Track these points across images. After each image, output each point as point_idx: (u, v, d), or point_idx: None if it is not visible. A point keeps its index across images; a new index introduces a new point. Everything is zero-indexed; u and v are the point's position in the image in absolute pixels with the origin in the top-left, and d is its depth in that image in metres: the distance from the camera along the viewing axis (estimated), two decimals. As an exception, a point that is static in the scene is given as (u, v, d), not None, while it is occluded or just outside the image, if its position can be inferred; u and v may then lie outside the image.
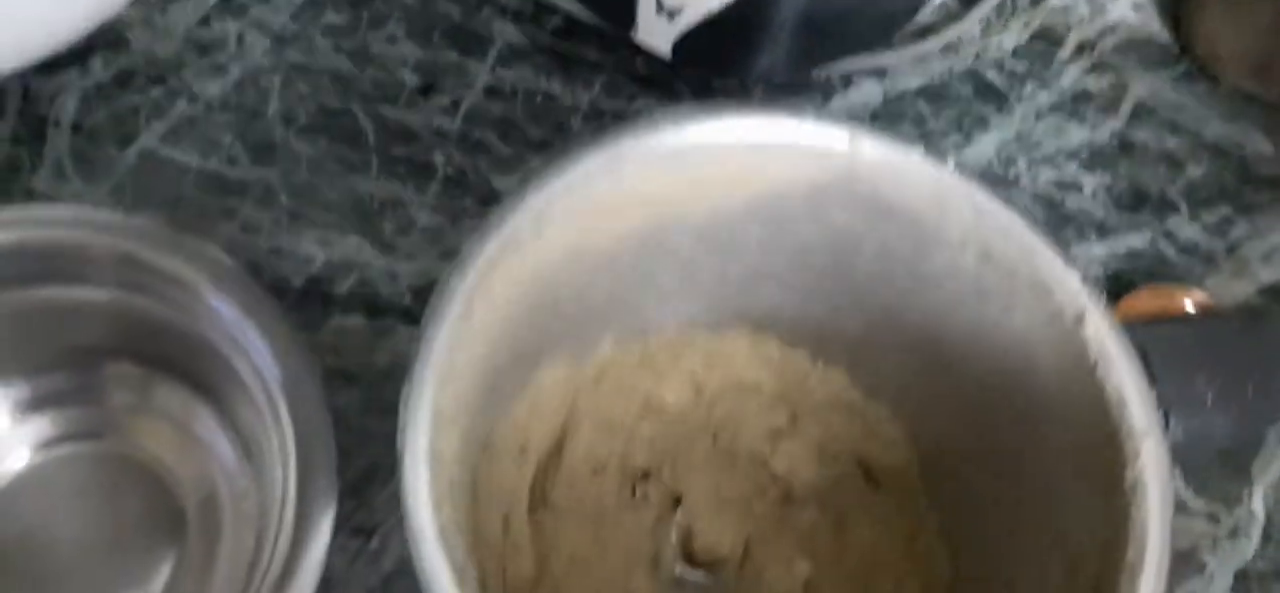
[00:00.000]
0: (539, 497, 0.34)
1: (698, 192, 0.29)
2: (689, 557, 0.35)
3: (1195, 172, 0.48)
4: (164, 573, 0.36)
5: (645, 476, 0.36)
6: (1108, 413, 0.26)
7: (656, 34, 0.43)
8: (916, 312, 0.30)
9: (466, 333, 0.26)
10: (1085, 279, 0.27)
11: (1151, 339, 0.27)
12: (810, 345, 0.35)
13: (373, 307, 0.42)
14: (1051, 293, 0.27)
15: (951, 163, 0.28)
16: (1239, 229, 0.47)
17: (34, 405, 0.37)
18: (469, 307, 0.26)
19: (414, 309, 0.42)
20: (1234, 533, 0.43)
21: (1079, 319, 0.27)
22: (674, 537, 0.35)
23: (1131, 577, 0.25)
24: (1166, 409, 0.26)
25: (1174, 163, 0.48)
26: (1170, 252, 0.46)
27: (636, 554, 0.35)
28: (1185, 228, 0.47)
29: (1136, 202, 0.47)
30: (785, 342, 0.35)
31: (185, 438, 0.38)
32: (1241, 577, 0.43)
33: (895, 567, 0.34)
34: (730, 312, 0.35)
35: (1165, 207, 0.47)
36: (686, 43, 0.42)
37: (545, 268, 0.28)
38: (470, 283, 0.26)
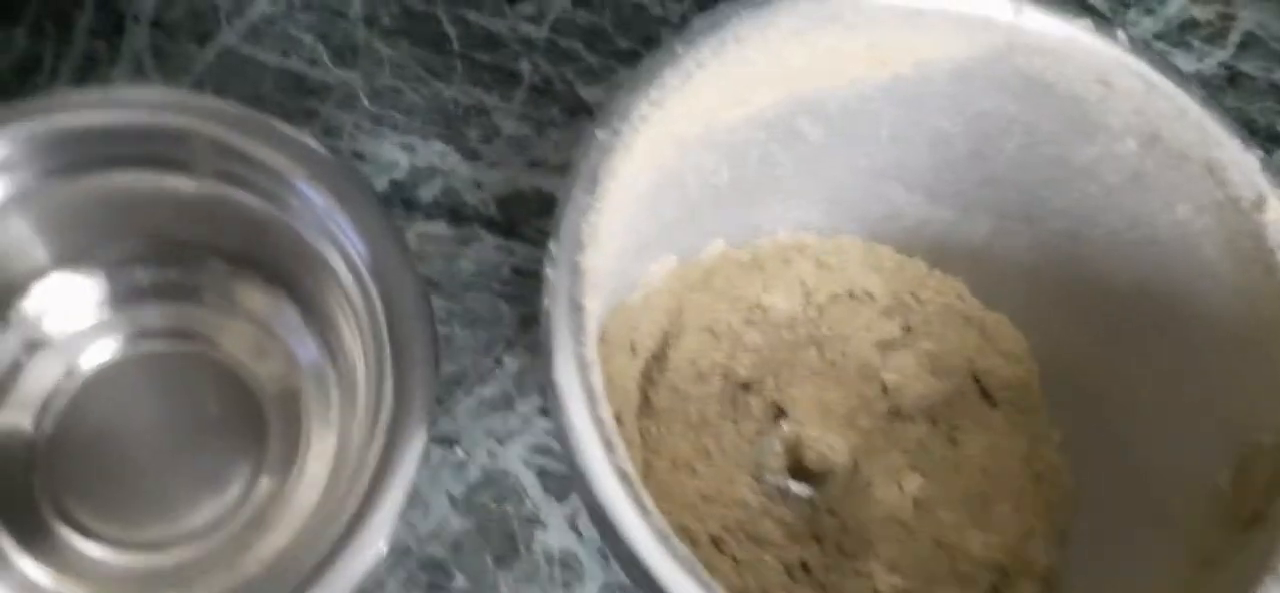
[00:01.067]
0: (643, 402, 0.33)
1: (840, 67, 0.27)
2: (794, 469, 0.34)
3: (1304, 105, 0.46)
4: (243, 475, 0.35)
5: (747, 387, 0.35)
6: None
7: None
8: (1059, 209, 0.29)
9: (607, 194, 0.24)
10: (1265, 161, 0.25)
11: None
12: (928, 253, 0.34)
13: (457, 214, 0.41)
14: (1228, 178, 0.25)
15: (1122, 34, 0.26)
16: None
17: (123, 298, 0.36)
18: (612, 164, 0.24)
19: (498, 218, 0.41)
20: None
21: (1258, 204, 0.25)
22: (779, 448, 0.34)
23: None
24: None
25: (1281, 96, 0.46)
26: (1277, 187, 0.45)
27: (739, 463, 0.33)
28: (1292, 162, 0.45)
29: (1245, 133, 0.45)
30: (902, 249, 0.34)
31: (269, 339, 0.37)
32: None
33: (1013, 484, 0.33)
34: (847, 214, 0.33)
35: (1273, 140, 0.45)
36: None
37: (680, 142, 0.26)
38: (619, 140, 0.24)
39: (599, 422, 0.22)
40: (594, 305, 0.24)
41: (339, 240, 0.34)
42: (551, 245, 0.23)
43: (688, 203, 0.29)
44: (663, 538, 0.21)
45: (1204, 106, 0.26)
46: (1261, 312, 0.25)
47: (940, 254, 0.33)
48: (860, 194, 0.32)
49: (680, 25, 0.45)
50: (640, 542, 0.21)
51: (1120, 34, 0.26)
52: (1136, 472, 0.29)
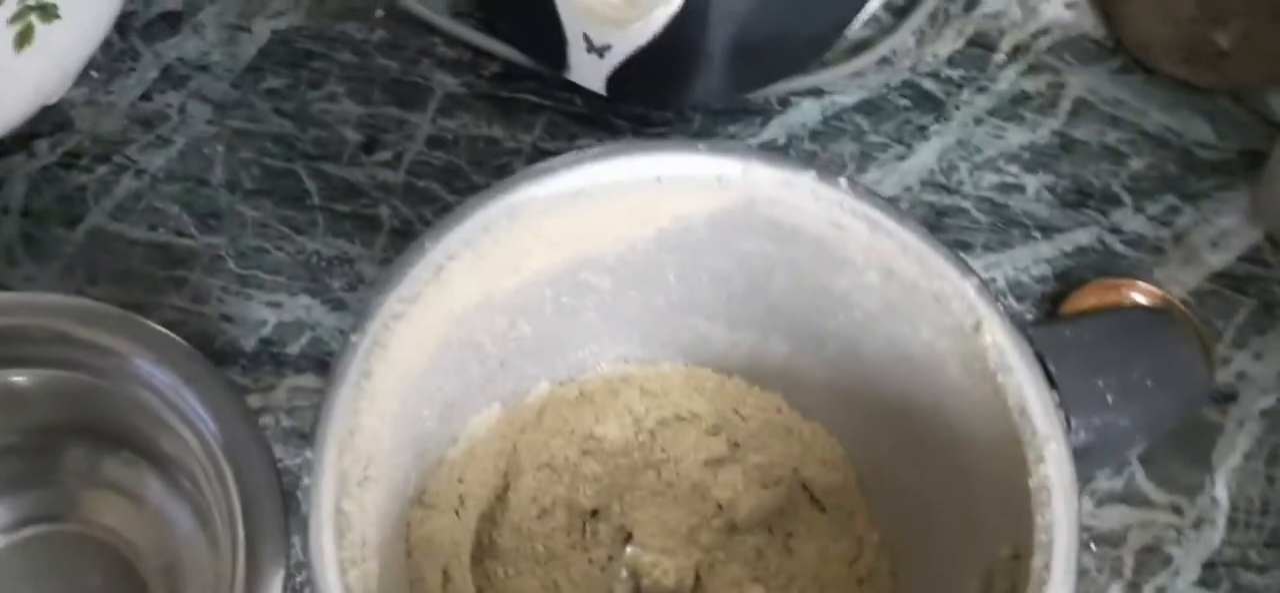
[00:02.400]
0: (487, 545, 0.35)
1: (603, 229, 0.29)
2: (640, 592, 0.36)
3: (1137, 163, 0.48)
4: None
5: (594, 513, 0.36)
6: (1010, 419, 0.26)
7: (588, 72, 0.44)
8: (834, 331, 0.31)
9: (370, 391, 0.26)
10: (980, 288, 0.27)
11: (1049, 341, 0.27)
12: (743, 372, 0.35)
13: (325, 365, 0.42)
14: (950, 304, 0.27)
15: (844, 181, 0.28)
16: (1185, 217, 0.47)
17: (-2, 490, 0.37)
18: (368, 365, 0.26)
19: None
20: (1198, 524, 0.43)
21: (976, 328, 0.27)
22: (624, 574, 0.35)
23: (1039, 587, 0.25)
24: (1067, 412, 0.26)
25: (1116, 156, 0.48)
26: (1117, 245, 0.46)
27: None
28: (1131, 220, 0.47)
29: (1080, 198, 0.47)
30: (719, 370, 0.36)
31: (141, 510, 0.38)
32: (1209, 566, 0.43)
33: (842, 585, 0.34)
34: (661, 344, 0.35)
35: (1109, 201, 0.47)
36: (619, 78, 0.43)
37: (456, 316, 0.28)
38: (369, 341, 0.26)
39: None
40: (370, 495, 0.25)
41: (186, 415, 0.35)
42: (308, 453, 0.25)
43: (493, 358, 0.31)
44: None
45: (923, 240, 0.27)
46: (995, 428, 0.27)
47: (754, 370, 0.35)
48: (667, 325, 0.34)
49: (532, 154, 0.47)
50: None
51: (842, 181, 0.28)
52: (935, 572, 0.30)
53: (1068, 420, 0.26)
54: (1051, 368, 0.26)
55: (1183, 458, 0.44)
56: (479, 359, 0.31)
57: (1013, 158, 0.47)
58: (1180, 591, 0.43)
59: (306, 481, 0.25)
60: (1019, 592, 0.25)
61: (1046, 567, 0.25)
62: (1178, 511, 0.43)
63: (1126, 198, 0.47)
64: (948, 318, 0.27)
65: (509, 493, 0.35)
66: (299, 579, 0.38)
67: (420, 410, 0.29)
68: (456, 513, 0.33)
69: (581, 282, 0.31)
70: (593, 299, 0.32)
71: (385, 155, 0.46)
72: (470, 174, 0.46)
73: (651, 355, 0.35)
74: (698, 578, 0.36)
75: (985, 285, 0.27)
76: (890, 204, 0.27)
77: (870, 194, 0.27)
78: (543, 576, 0.35)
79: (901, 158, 0.47)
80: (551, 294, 0.31)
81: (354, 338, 0.26)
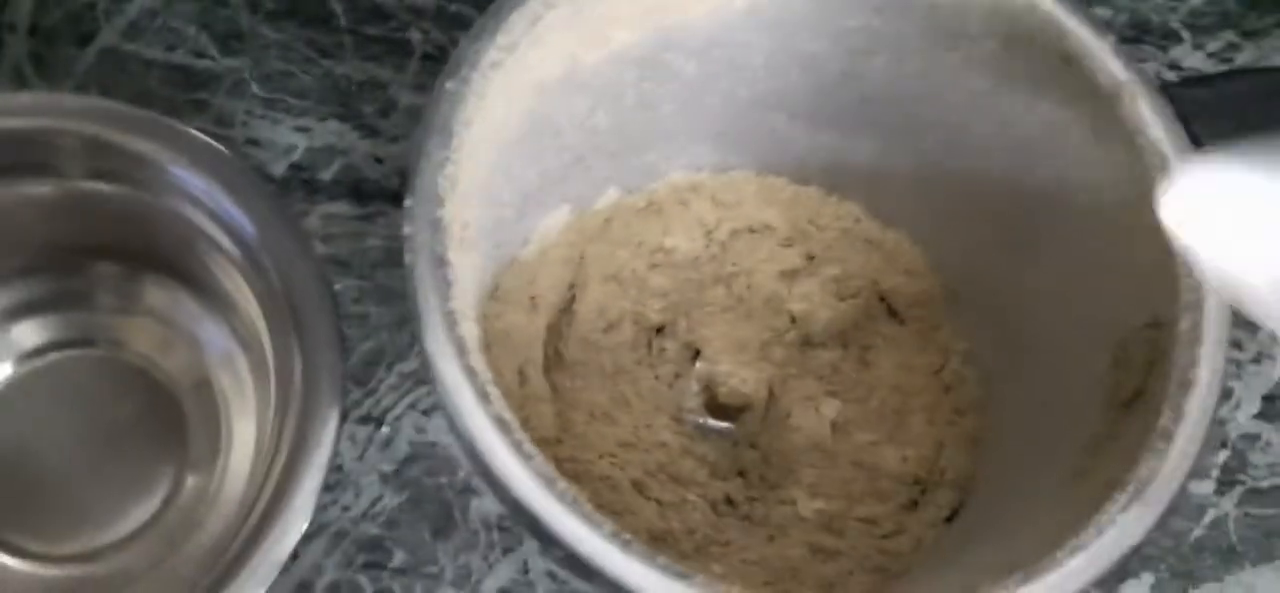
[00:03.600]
0: (553, 355, 0.33)
1: (697, -5, 0.27)
2: (711, 407, 0.34)
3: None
4: (168, 473, 0.35)
5: (660, 330, 0.35)
6: (1148, 181, 0.25)
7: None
8: (935, 119, 0.29)
9: (469, 144, 0.24)
10: (1117, 47, 0.26)
11: (1191, 102, 0.25)
12: (822, 180, 0.34)
13: (360, 192, 0.40)
14: (1082, 66, 0.25)
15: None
16: (1244, 55, 0.46)
17: (19, 312, 0.35)
18: (468, 114, 0.24)
19: (402, 192, 0.40)
20: (1258, 358, 0.43)
21: (1115, 90, 0.25)
22: (695, 388, 0.34)
23: (1191, 347, 0.23)
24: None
25: (1174, -10, 0.46)
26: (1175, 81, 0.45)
27: (658, 407, 0.33)
28: (1189, 57, 0.46)
29: (1139, 33, 0.46)
30: (795, 178, 0.34)
31: (174, 332, 0.36)
32: (1269, 399, 0.42)
33: (925, 397, 0.33)
34: (737, 150, 0.33)
35: (1167, 36, 0.46)
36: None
37: (544, 86, 0.26)
38: (469, 90, 0.24)
39: (471, 373, 0.21)
40: (466, 259, 0.23)
41: (228, 225, 0.33)
42: (408, 201, 0.23)
43: (569, 150, 0.29)
44: (547, 481, 0.21)
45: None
46: (1125, 195, 0.25)
47: (833, 179, 0.33)
48: (746, 126, 0.32)
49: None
50: (521, 486, 0.21)
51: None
52: (1036, 371, 0.29)
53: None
54: (1195, 130, 0.25)
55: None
56: (557, 147, 0.29)
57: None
58: (1241, 423, 0.42)
59: (408, 229, 0.22)
60: (1163, 358, 0.24)
61: (1195, 326, 0.24)
62: (1238, 346, 0.42)
63: (1185, 33, 0.46)
64: (1078, 81, 0.25)
65: (575, 305, 0.33)
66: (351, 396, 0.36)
67: (501, 194, 0.27)
68: (528, 313, 0.31)
69: (666, 64, 0.29)
70: (674, 88, 0.30)
71: (414, -23, 0.44)
72: (506, -1, 0.44)
73: (724, 162, 0.33)
74: (770, 393, 0.34)
75: (1121, 46, 0.25)
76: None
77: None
78: (611, 388, 0.33)
79: None
80: (634, 77, 0.29)
81: (450, 85, 0.24)
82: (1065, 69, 0.26)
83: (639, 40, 0.28)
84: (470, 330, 0.22)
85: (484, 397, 0.21)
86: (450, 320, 0.22)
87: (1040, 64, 0.26)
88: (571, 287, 0.33)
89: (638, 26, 0.27)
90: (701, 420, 0.34)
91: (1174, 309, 0.24)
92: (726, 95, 0.31)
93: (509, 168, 0.26)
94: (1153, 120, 0.25)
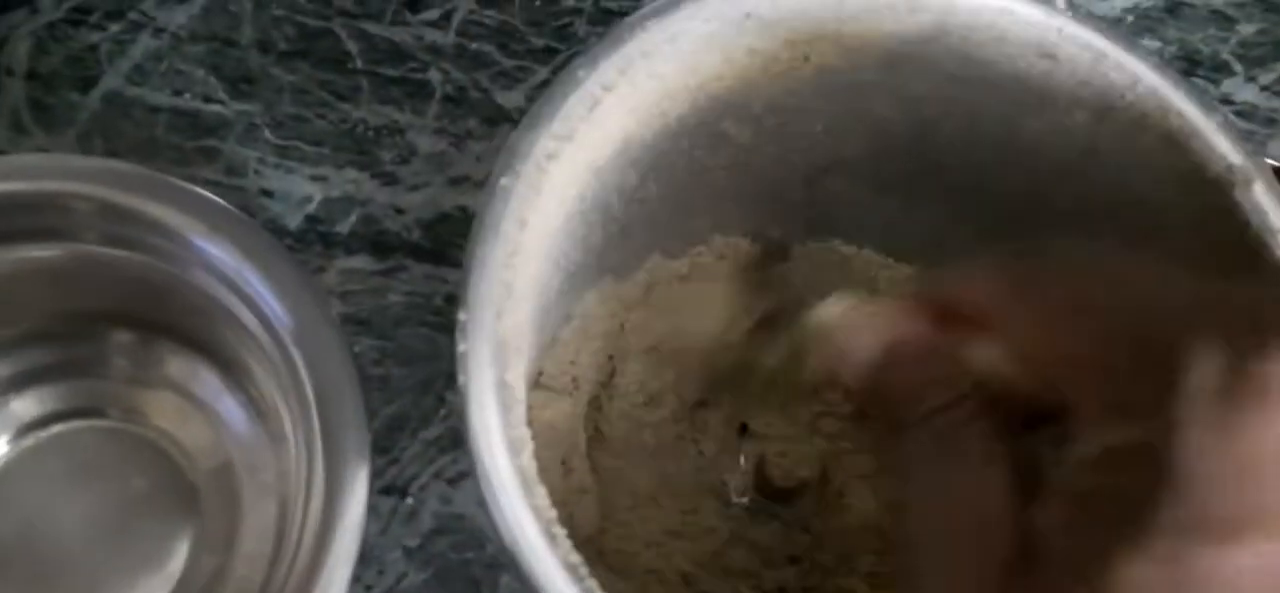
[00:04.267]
0: (594, 434, 0.31)
1: (759, 64, 0.25)
2: (762, 488, 0.32)
3: (1248, 29, 0.44)
4: (181, 553, 0.33)
5: (702, 403, 0.33)
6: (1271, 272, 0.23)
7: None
8: (1008, 188, 0.27)
9: (525, 247, 0.22)
10: (1227, 126, 0.24)
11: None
12: (877, 243, 0.32)
13: (380, 245, 0.38)
14: (1189, 145, 0.24)
15: (1062, 2, 0.24)
16: (1298, 86, 0.44)
17: (23, 381, 0.33)
18: (523, 213, 0.22)
19: (424, 244, 0.38)
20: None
21: (1230, 177, 0.23)
22: (744, 465, 0.32)
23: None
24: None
25: (1225, 21, 0.44)
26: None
27: (703, 489, 0.31)
28: (1242, 90, 0.44)
29: (1189, 66, 0.44)
30: (848, 242, 0.32)
31: (191, 406, 0.34)
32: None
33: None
34: (788, 215, 0.31)
35: (1219, 69, 0.44)
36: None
37: (598, 166, 0.24)
38: (523, 185, 0.22)
39: (537, 512, 0.19)
40: (519, 369, 0.21)
41: (249, 296, 0.31)
42: (462, 315, 0.21)
43: (616, 223, 0.27)
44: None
45: (1159, 72, 0.24)
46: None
47: (890, 242, 0.31)
48: (800, 188, 0.30)
49: (594, 15, 0.42)
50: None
51: (1060, 1, 0.24)
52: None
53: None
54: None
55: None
56: (604, 222, 0.27)
57: (1117, 22, 0.44)
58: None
59: (462, 346, 0.20)
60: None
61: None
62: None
63: (1237, 66, 0.44)
64: (1182, 162, 0.24)
65: (615, 378, 0.31)
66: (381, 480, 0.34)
67: (551, 283, 0.25)
68: (572, 397, 0.29)
69: (721, 132, 0.27)
70: (727, 154, 0.28)
71: (432, 14, 0.42)
72: (527, 35, 0.42)
73: (773, 226, 0.31)
74: (823, 472, 0.32)
75: (1230, 124, 0.23)
76: (1117, 29, 0.24)
77: (1093, 19, 0.23)
78: (653, 468, 0.31)
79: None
80: (686, 146, 0.27)
81: (504, 181, 0.22)
82: (1164, 148, 0.24)
83: (695, 110, 0.26)
84: (530, 461, 0.20)
85: (552, 539, 0.19)
86: (514, 449, 0.20)
87: (1136, 140, 0.24)
88: (611, 358, 0.31)
89: (695, 97, 0.25)
90: (749, 501, 0.32)
91: None
92: (778, 160, 0.29)
93: (559, 255, 0.24)
94: (1274, 209, 0.23)
